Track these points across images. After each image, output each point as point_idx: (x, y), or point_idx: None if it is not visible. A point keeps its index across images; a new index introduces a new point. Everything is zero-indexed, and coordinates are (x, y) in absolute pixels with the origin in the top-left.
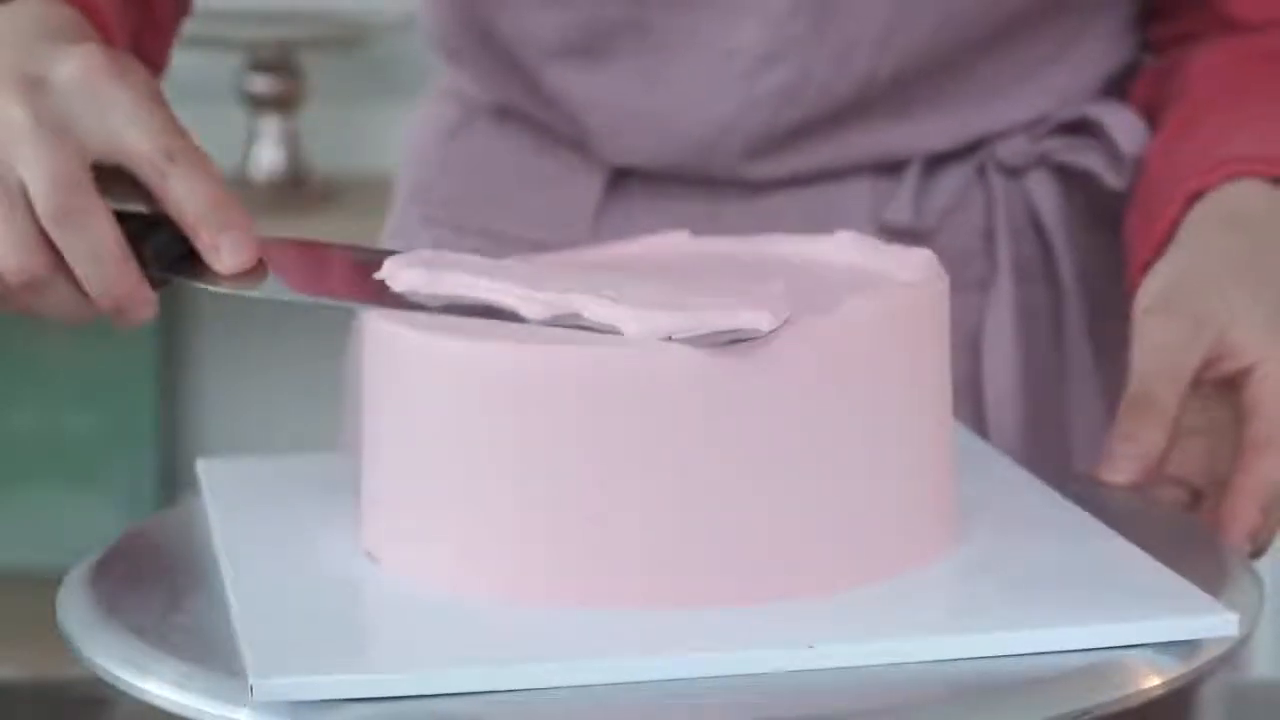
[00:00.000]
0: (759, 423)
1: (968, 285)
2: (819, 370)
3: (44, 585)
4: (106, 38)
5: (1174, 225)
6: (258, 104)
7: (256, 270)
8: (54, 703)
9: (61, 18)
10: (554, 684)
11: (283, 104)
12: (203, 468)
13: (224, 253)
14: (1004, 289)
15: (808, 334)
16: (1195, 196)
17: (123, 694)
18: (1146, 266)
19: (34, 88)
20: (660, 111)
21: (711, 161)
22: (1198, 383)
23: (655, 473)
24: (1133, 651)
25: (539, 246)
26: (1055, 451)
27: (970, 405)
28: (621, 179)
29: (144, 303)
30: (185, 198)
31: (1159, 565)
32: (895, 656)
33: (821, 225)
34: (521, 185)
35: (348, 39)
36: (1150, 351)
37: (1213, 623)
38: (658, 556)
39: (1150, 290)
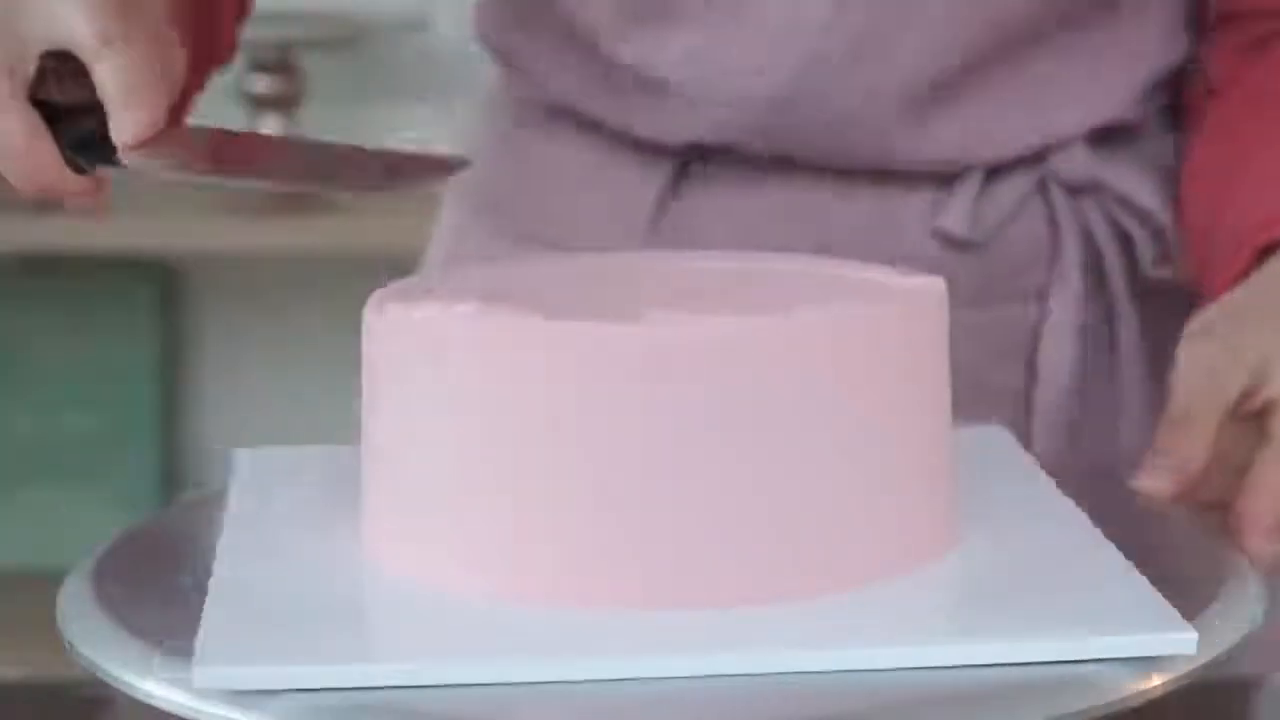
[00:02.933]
0: (754, 425)
1: (1024, 296)
2: (807, 372)
3: (44, 585)
4: None
5: (1243, 273)
6: (258, 104)
7: (166, 153)
8: (54, 703)
9: None
10: (507, 679)
11: (283, 104)
12: (238, 456)
13: (124, 128)
14: (1069, 300)
15: (799, 335)
16: (1266, 248)
17: (123, 694)
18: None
19: None
20: (728, 77)
21: (780, 133)
22: (1238, 414)
23: (650, 473)
24: (1092, 665)
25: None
26: (1098, 465)
27: (1015, 414)
28: (679, 180)
29: (74, 189)
30: (108, 79)
31: (1138, 579)
32: (846, 664)
33: (878, 231)
34: (577, 189)
35: (348, 39)
36: (1192, 374)
37: (1171, 640)
38: (647, 557)
39: (1199, 319)
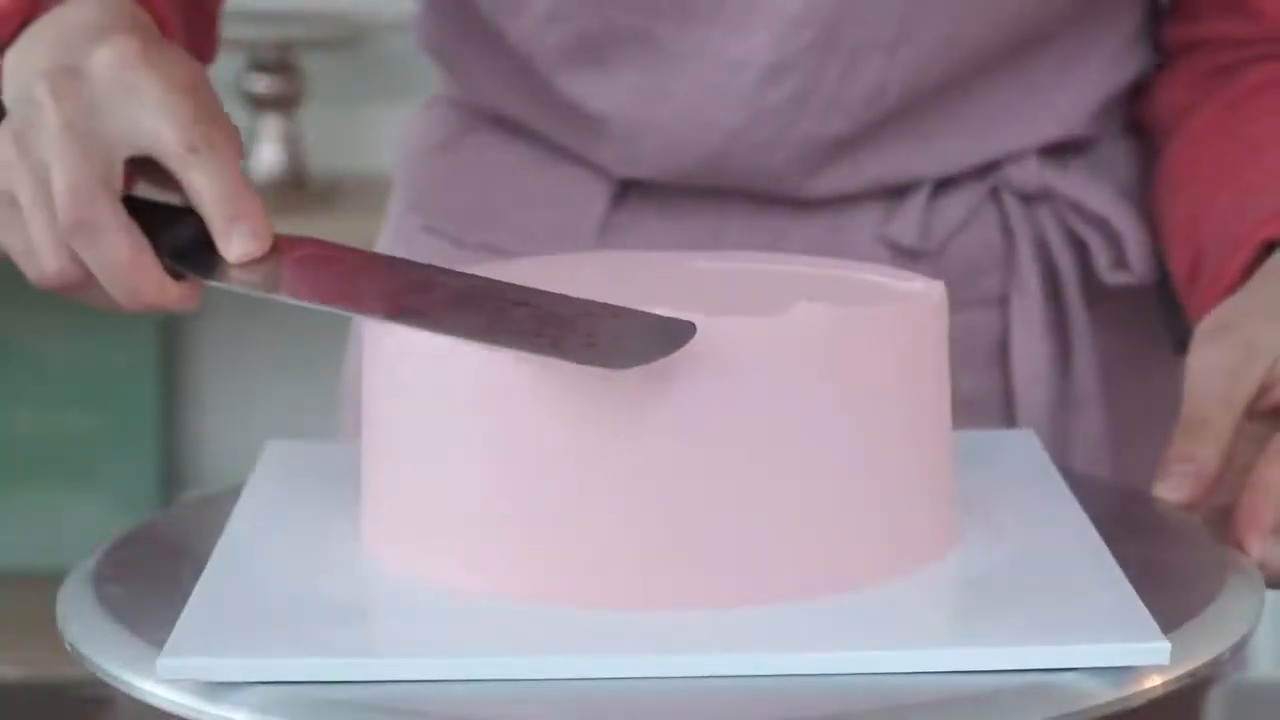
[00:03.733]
0: (754, 425)
1: (984, 303)
2: (807, 372)
3: (44, 585)
4: (162, 29)
5: (1244, 272)
6: (258, 104)
7: (269, 269)
8: (54, 703)
9: (117, 11)
10: (499, 677)
11: (283, 104)
12: (269, 447)
13: (233, 242)
14: (1030, 305)
15: (799, 335)
16: (1268, 244)
17: (123, 694)
18: (1208, 308)
19: (69, 80)
20: (669, 122)
21: (719, 175)
22: (1251, 413)
23: (651, 473)
24: (1068, 673)
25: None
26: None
27: (998, 420)
28: (626, 194)
29: (176, 300)
30: (202, 188)
31: (1124, 587)
32: (837, 668)
33: (829, 244)
34: (523, 200)
35: (348, 39)
36: (1205, 375)
37: (1144, 650)
38: (647, 557)
39: (1211, 318)
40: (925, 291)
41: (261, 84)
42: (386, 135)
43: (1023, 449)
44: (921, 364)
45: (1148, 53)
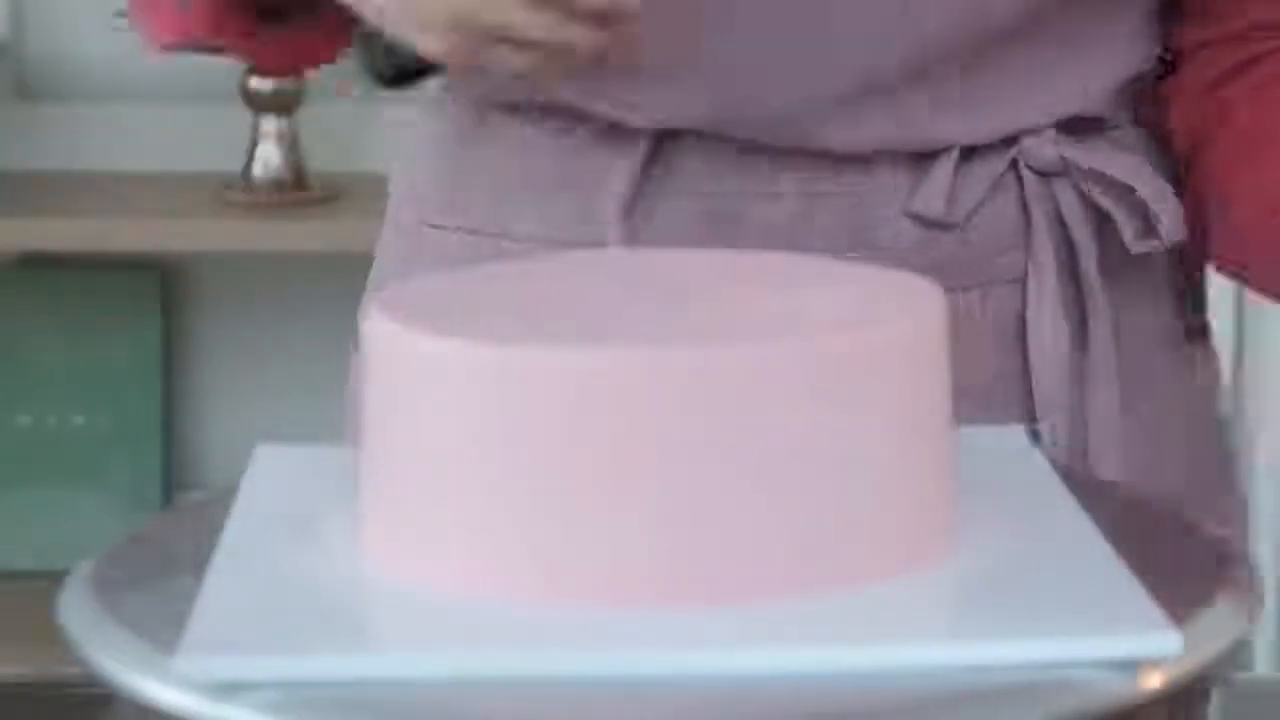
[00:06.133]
0: (747, 430)
1: (1005, 279)
2: (803, 386)
3: (44, 585)
4: None
5: None
6: (258, 104)
7: None
8: (54, 703)
9: None
10: (498, 675)
11: (283, 104)
12: (260, 451)
13: None
14: (1046, 284)
15: (805, 358)
16: None
17: (123, 694)
18: None
19: None
20: (702, 64)
21: (737, 119)
22: None
23: (650, 473)
24: (1075, 668)
25: (564, 248)
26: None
27: (1018, 399)
28: (647, 175)
29: None
30: None
31: (1130, 581)
32: (833, 664)
33: (854, 215)
34: (543, 183)
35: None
36: None
37: (1156, 642)
38: (646, 556)
39: None
40: (929, 297)
41: (261, 84)
42: (386, 135)
43: (1019, 447)
44: (924, 367)
45: (1160, 39)
